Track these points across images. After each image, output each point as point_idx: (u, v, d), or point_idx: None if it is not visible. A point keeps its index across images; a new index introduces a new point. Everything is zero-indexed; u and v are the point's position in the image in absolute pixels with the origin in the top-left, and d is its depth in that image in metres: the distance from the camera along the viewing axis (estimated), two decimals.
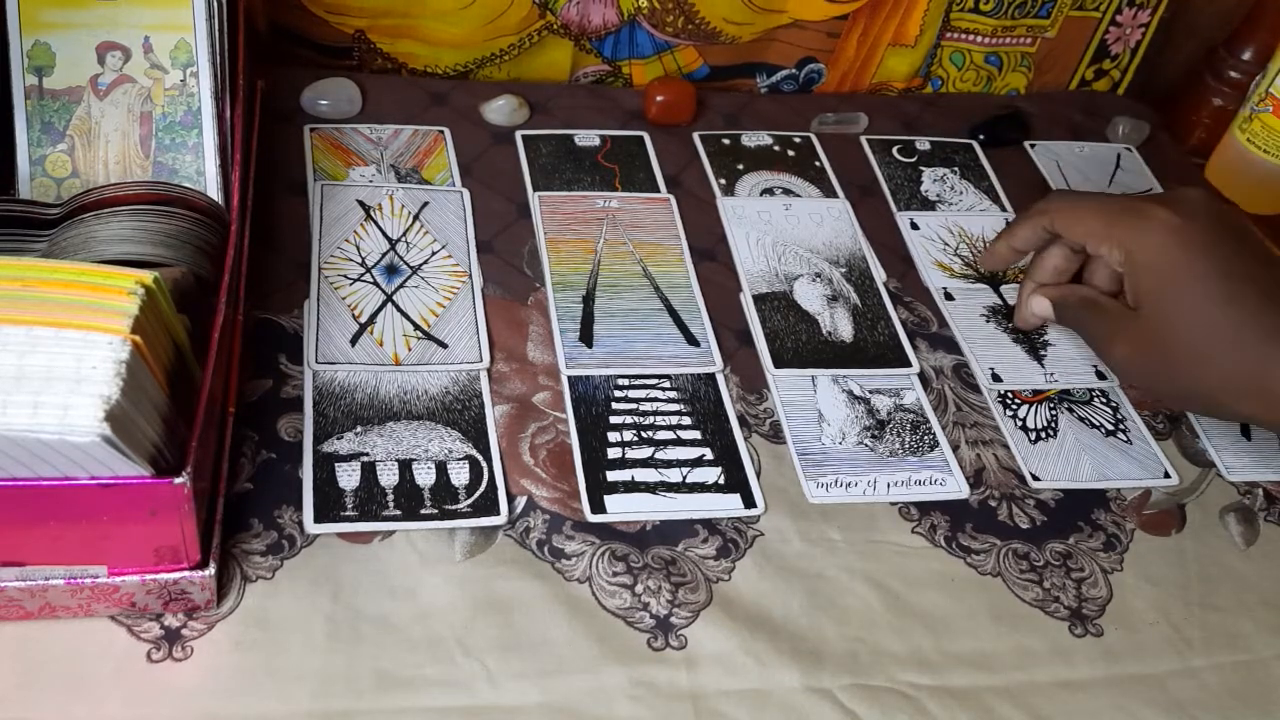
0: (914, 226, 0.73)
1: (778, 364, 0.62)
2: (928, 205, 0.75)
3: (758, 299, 0.66)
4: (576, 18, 0.76)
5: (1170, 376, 0.56)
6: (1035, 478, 0.59)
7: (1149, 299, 0.56)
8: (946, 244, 0.72)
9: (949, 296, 0.68)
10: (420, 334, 0.59)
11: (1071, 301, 0.62)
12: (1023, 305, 0.65)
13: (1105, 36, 0.86)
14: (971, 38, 0.84)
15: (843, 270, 0.68)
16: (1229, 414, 0.60)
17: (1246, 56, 0.83)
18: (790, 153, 0.77)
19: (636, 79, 0.81)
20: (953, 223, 0.74)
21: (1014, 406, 0.63)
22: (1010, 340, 0.66)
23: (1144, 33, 0.86)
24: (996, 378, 0.64)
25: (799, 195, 0.74)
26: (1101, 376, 0.65)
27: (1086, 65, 0.87)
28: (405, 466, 0.53)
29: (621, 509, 0.54)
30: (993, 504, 0.58)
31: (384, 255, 0.63)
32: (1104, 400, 0.64)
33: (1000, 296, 0.69)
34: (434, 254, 0.64)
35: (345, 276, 0.61)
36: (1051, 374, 0.65)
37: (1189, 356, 0.55)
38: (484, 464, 0.54)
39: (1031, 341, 0.66)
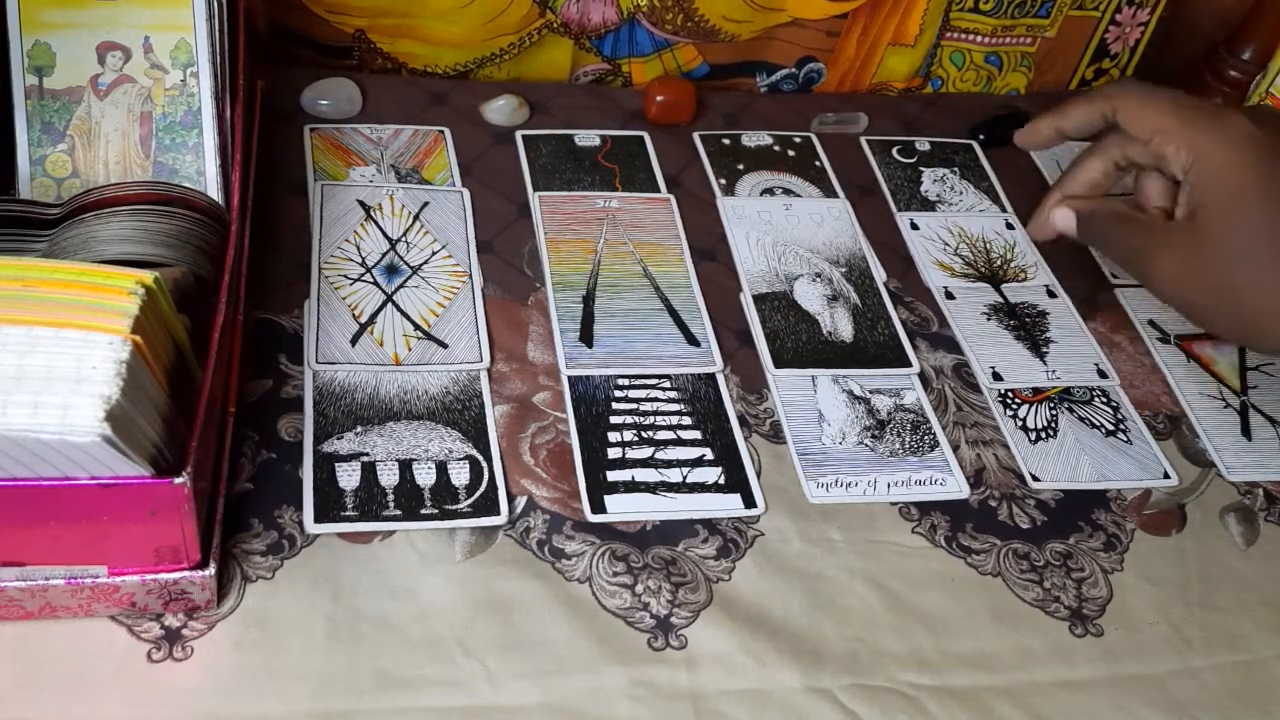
0: (914, 227, 0.73)
1: (778, 364, 0.62)
2: (928, 205, 0.75)
3: (758, 299, 0.66)
4: (576, 16, 0.76)
5: (1217, 296, 0.53)
6: (1035, 478, 0.59)
7: (1213, 209, 0.52)
8: (947, 244, 0.72)
9: (950, 295, 0.68)
10: (420, 334, 0.59)
11: (1102, 214, 0.58)
12: (1043, 212, 0.61)
13: (1105, 36, 0.86)
14: (971, 37, 0.84)
15: (843, 270, 0.68)
16: (1269, 345, 0.56)
17: (1246, 56, 0.83)
18: (790, 153, 0.77)
19: (636, 77, 0.81)
20: (953, 223, 0.74)
21: (1014, 406, 0.63)
22: (1012, 339, 0.66)
23: (1143, 32, 0.86)
24: (997, 376, 0.64)
25: (799, 195, 0.74)
26: (1103, 375, 0.65)
27: (1086, 65, 0.88)
28: (405, 466, 0.53)
29: (622, 509, 0.54)
30: (993, 504, 0.58)
31: (384, 255, 0.63)
32: (1104, 400, 0.64)
33: (1001, 295, 0.69)
34: (434, 254, 0.64)
35: (345, 276, 0.61)
36: (1053, 371, 0.65)
37: (1245, 275, 0.51)
38: (484, 464, 0.54)
39: (1034, 339, 0.66)
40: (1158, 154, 0.56)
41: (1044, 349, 0.66)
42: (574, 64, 0.79)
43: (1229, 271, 0.52)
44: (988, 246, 0.72)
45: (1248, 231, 0.52)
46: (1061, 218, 0.60)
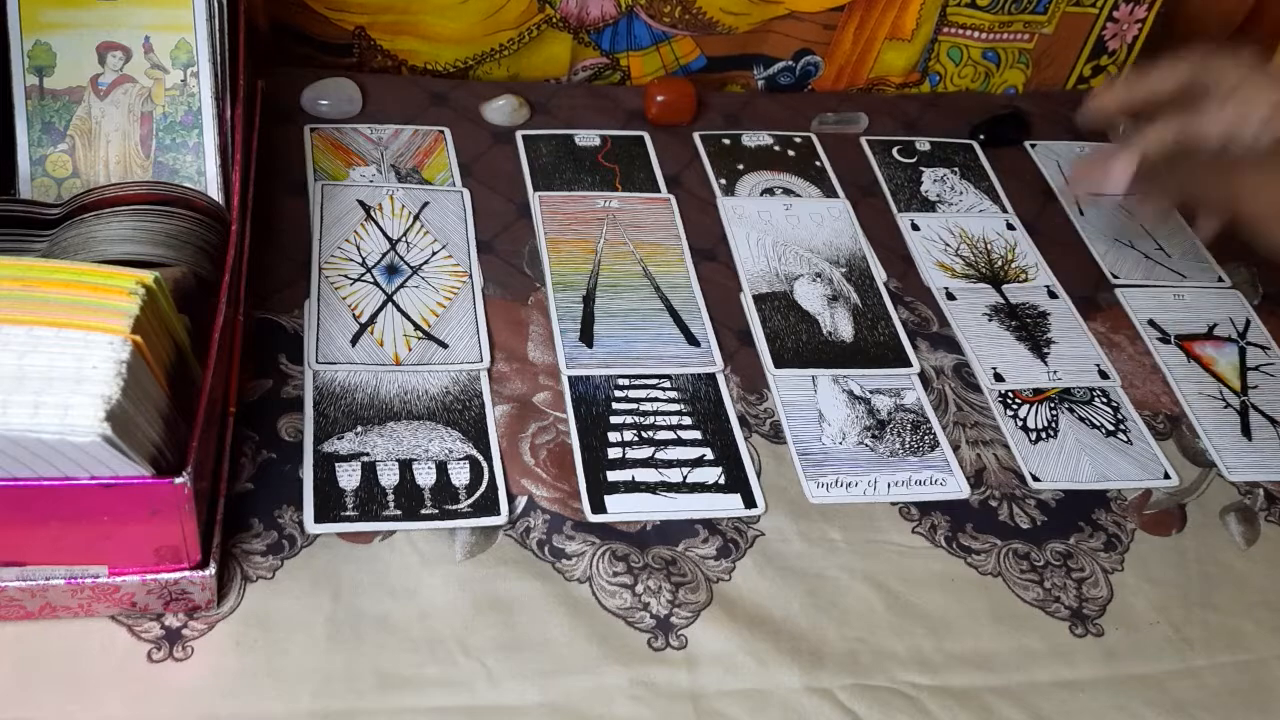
0: (915, 228, 0.73)
1: (778, 364, 0.62)
2: (928, 205, 0.75)
3: (758, 299, 0.66)
4: (575, 10, 0.76)
5: None
6: (1036, 478, 0.59)
7: None
8: (947, 244, 0.72)
9: (950, 296, 0.68)
10: (421, 334, 0.59)
11: (1179, 146, 0.57)
12: (1106, 159, 0.60)
13: (1102, 32, 0.86)
14: (969, 33, 0.84)
15: (843, 270, 0.68)
16: None
17: None
18: (790, 153, 0.77)
19: (634, 71, 0.81)
20: (953, 224, 0.74)
21: (1014, 406, 0.63)
22: (1014, 339, 0.66)
23: (1140, 28, 0.86)
24: (999, 377, 0.64)
25: (799, 195, 0.74)
26: (1105, 376, 0.65)
27: (1084, 61, 0.88)
28: (405, 466, 0.53)
29: (622, 509, 0.54)
30: (993, 504, 0.58)
31: (384, 255, 0.63)
32: (1104, 400, 0.64)
33: (1002, 295, 0.69)
34: (434, 254, 0.64)
35: (346, 276, 0.61)
36: (1055, 372, 0.65)
37: None
38: (484, 464, 0.54)
39: (1035, 340, 0.66)
40: (1243, 97, 0.56)
41: (1045, 350, 0.66)
42: (573, 58, 0.79)
43: None
44: (988, 247, 0.72)
45: None
46: (1123, 166, 0.59)
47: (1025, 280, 0.70)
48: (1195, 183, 0.59)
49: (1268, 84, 0.55)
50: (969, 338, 0.66)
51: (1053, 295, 0.69)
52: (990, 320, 0.67)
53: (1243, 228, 0.57)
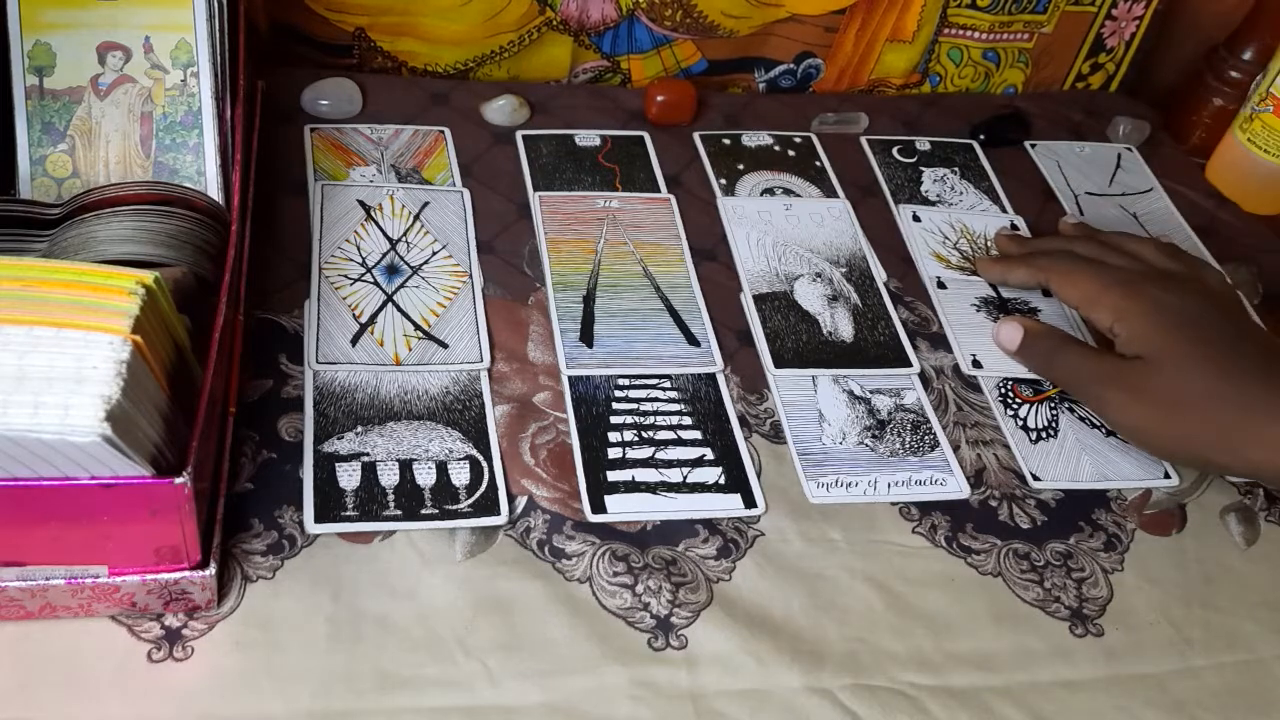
0: (916, 219, 0.73)
1: (778, 364, 0.62)
2: (928, 205, 0.75)
3: (758, 299, 0.66)
4: (576, 13, 0.76)
5: (1165, 427, 0.57)
6: (1036, 478, 0.59)
7: (1150, 360, 0.57)
8: (947, 238, 0.72)
9: (941, 285, 0.69)
10: (421, 334, 0.59)
11: (1056, 338, 0.63)
12: (996, 269, 0.69)
13: (1101, 30, 0.86)
14: (969, 33, 0.84)
15: (843, 270, 0.68)
16: (1220, 469, 0.60)
17: (1247, 56, 0.82)
18: (790, 153, 0.77)
19: (635, 74, 0.81)
20: (956, 219, 0.74)
21: (1015, 406, 0.63)
22: None
23: (1139, 25, 0.86)
24: (977, 364, 0.64)
25: (799, 195, 0.74)
26: None
27: (1083, 60, 0.88)
28: (406, 466, 0.53)
29: (622, 509, 0.54)
30: (993, 504, 0.58)
31: (384, 255, 0.63)
32: None
33: (994, 288, 0.69)
34: (434, 254, 0.64)
35: (346, 276, 0.61)
36: None
37: (1193, 420, 0.56)
38: (484, 464, 0.54)
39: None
40: (1086, 318, 0.64)
41: None
42: (574, 61, 0.79)
43: (1177, 415, 0.56)
44: (988, 244, 0.72)
45: (1182, 385, 0.56)
46: (1009, 332, 0.64)
47: None
48: (1060, 371, 0.62)
49: (1101, 305, 0.61)
50: (953, 324, 0.66)
51: (1046, 293, 0.69)
52: (978, 311, 0.68)
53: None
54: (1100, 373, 0.59)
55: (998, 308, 0.68)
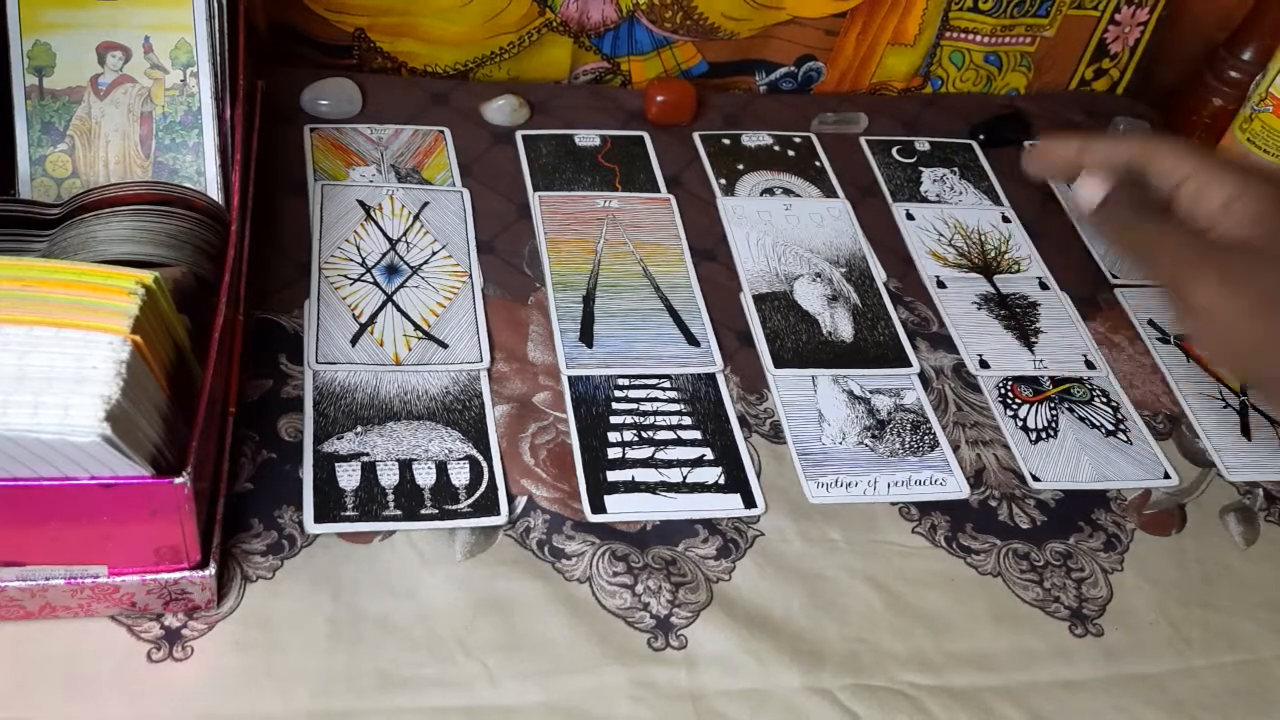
0: (909, 217, 0.73)
1: (778, 364, 0.62)
2: (922, 203, 0.75)
3: (758, 299, 0.66)
4: (576, 14, 0.76)
5: (1258, 325, 0.48)
6: (1035, 478, 0.59)
7: (1266, 247, 0.49)
8: (941, 235, 0.72)
9: (941, 284, 0.69)
10: (421, 334, 0.59)
11: (1136, 205, 0.53)
12: (1060, 155, 0.56)
13: (1104, 35, 0.86)
14: (971, 37, 0.84)
15: (843, 270, 0.68)
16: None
17: (1246, 56, 0.82)
18: (790, 153, 0.77)
19: (635, 76, 0.81)
20: (949, 215, 0.74)
21: (1015, 406, 0.63)
22: (1001, 328, 0.67)
23: (1143, 31, 0.86)
24: (984, 364, 0.64)
25: (799, 195, 0.74)
26: (1091, 366, 0.65)
27: (1086, 64, 0.87)
28: (405, 466, 0.53)
29: (622, 509, 0.54)
30: (993, 504, 0.58)
31: (384, 255, 0.63)
32: (1104, 400, 0.64)
33: (993, 285, 0.69)
34: (434, 254, 0.64)
35: (345, 276, 0.61)
36: (1041, 361, 0.65)
37: None
38: (484, 464, 0.54)
39: (1023, 329, 0.67)
40: (1191, 194, 0.52)
41: (1033, 339, 0.66)
42: (574, 62, 0.79)
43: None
44: (983, 238, 0.72)
45: None
46: (1091, 186, 0.54)
47: (1017, 271, 0.71)
48: (1147, 247, 0.54)
49: (1218, 179, 0.51)
50: (956, 325, 0.66)
51: (1044, 287, 0.69)
52: (980, 309, 0.68)
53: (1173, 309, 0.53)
54: (1196, 246, 0.51)
55: (998, 304, 0.68)
